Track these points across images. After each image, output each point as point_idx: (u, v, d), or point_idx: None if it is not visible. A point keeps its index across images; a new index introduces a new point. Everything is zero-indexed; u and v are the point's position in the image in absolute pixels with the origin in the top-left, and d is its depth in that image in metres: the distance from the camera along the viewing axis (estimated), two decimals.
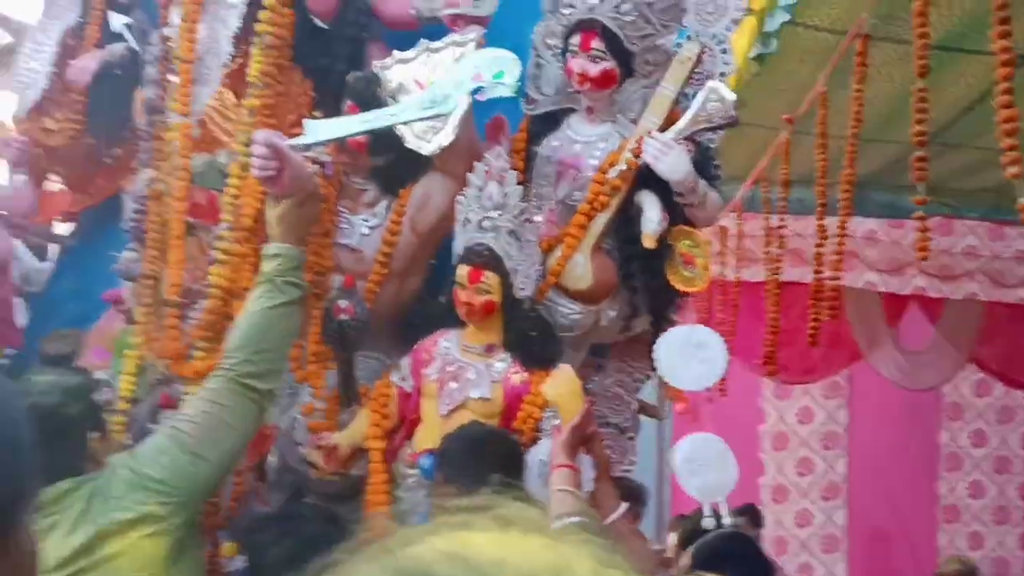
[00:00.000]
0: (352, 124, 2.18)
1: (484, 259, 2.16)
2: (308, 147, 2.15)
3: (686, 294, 2.34)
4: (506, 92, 2.11)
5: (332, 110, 2.54)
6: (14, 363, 3.38)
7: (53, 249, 3.58)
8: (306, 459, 2.39)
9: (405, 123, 2.17)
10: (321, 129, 2.14)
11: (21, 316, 3.40)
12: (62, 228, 3.59)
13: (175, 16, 2.69)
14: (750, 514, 4.44)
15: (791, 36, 2.77)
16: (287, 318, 2.00)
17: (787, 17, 2.51)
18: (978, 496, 6.14)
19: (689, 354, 2.18)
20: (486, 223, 2.17)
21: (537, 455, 2.15)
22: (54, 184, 3.43)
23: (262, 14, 2.38)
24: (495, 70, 2.12)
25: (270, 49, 2.38)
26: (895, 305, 5.54)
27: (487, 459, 1.96)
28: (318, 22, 2.56)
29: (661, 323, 2.36)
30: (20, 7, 3.53)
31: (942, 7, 2.72)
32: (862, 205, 3.68)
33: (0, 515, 0.80)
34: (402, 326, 2.48)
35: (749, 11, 2.62)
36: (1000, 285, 5.46)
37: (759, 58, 2.53)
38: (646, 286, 2.29)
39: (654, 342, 2.28)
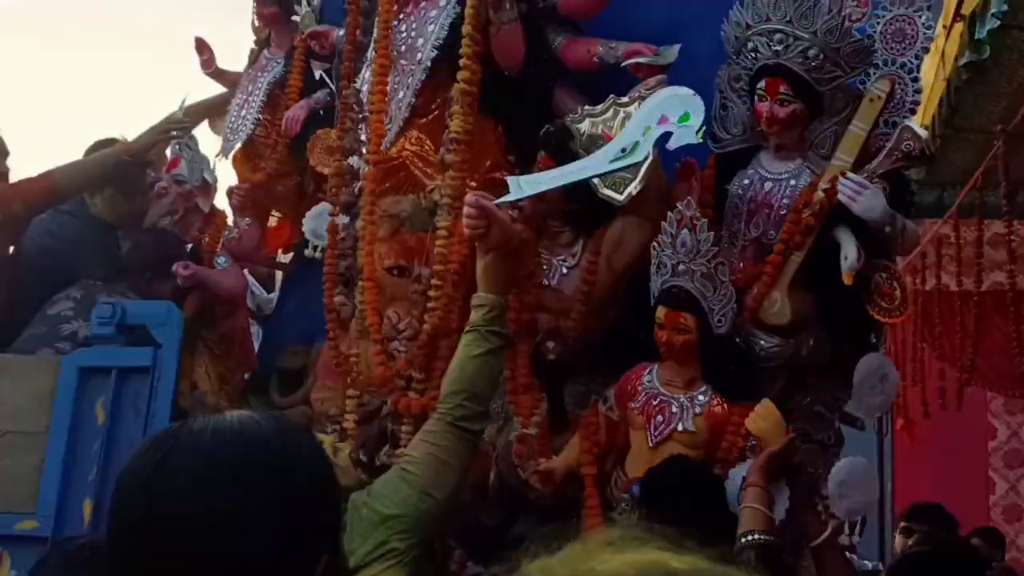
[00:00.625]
0: (549, 179, 2.33)
1: (681, 301, 2.29)
2: (513, 203, 2.32)
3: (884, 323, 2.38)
4: (692, 138, 2.19)
5: (524, 155, 2.73)
6: (252, 380, 3.82)
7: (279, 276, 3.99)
8: (524, 480, 2.62)
9: (598, 176, 2.31)
10: (523, 186, 2.30)
11: (256, 341, 3.81)
12: (284, 257, 3.97)
13: (366, 71, 2.94)
14: (990, 536, 4.22)
15: (1004, 39, 2.69)
16: (492, 365, 2.16)
17: (997, 23, 2.47)
18: None
19: (874, 383, 2.25)
20: (681, 267, 2.29)
21: (740, 472, 2.27)
22: (274, 217, 3.79)
23: (460, 74, 2.57)
24: (680, 112, 2.21)
25: (469, 107, 2.58)
26: None
27: (689, 494, 2.11)
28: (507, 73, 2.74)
29: (862, 348, 2.41)
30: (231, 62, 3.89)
31: None
32: None
33: (331, 542, 1.01)
34: (603, 354, 2.65)
35: (959, 17, 2.59)
36: None
37: (969, 65, 2.52)
38: (845, 317, 2.35)
39: (854, 364, 2.35)
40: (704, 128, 2.23)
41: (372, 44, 2.89)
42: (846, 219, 2.25)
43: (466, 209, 2.22)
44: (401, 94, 2.77)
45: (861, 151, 2.24)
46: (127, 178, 3.44)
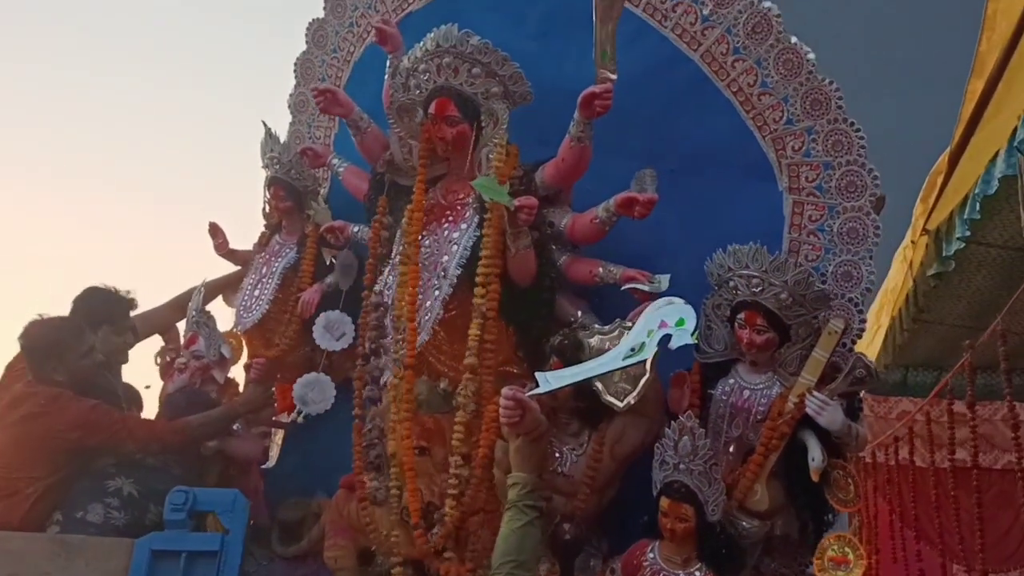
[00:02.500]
0: (571, 375, 2.79)
1: (681, 494, 2.76)
2: (541, 395, 2.75)
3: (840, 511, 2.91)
4: (687, 339, 2.69)
5: (532, 353, 3.19)
6: (253, 530, 4.08)
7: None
8: None
9: (612, 371, 2.77)
10: (550, 380, 2.76)
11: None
12: (285, 417, 4.29)
13: (390, 277, 3.36)
14: None
15: (966, 251, 3.26)
16: (532, 535, 2.54)
17: (962, 245, 3.05)
18: None
19: None
20: (681, 466, 2.77)
21: None
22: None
23: (478, 291, 3.05)
24: (676, 318, 2.73)
25: (490, 320, 3.05)
26: None
27: None
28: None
29: (822, 526, 2.93)
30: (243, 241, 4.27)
31: None
32: None
33: None
34: (605, 526, 3.09)
35: (925, 232, 3.21)
36: None
37: (937, 275, 3.11)
38: (809, 504, 2.87)
39: (815, 538, 2.87)
40: (697, 331, 2.74)
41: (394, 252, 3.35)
42: (811, 425, 2.79)
43: (503, 401, 2.64)
44: (429, 303, 3.21)
45: (822, 372, 2.78)
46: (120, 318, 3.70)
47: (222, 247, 4.22)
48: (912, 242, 3.67)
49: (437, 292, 3.20)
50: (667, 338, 2.74)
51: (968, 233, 2.90)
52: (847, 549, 2.74)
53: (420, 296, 3.22)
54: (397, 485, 3.24)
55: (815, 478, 2.75)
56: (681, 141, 3.16)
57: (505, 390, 2.70)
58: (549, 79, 3.26)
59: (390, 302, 3.32)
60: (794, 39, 2.93)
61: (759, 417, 2.87)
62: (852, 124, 2.89)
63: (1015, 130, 2.28)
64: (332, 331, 3.76)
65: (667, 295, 2.95)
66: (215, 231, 4.22)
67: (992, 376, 3.75)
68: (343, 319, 3.76)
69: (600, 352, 2.96)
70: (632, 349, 2.78)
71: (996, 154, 2.57)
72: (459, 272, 3.18)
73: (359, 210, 3.84)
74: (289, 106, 4.25)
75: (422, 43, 3.22)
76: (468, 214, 3.26)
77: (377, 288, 3.34)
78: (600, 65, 2.88)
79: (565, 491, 3.05)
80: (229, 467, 3.86)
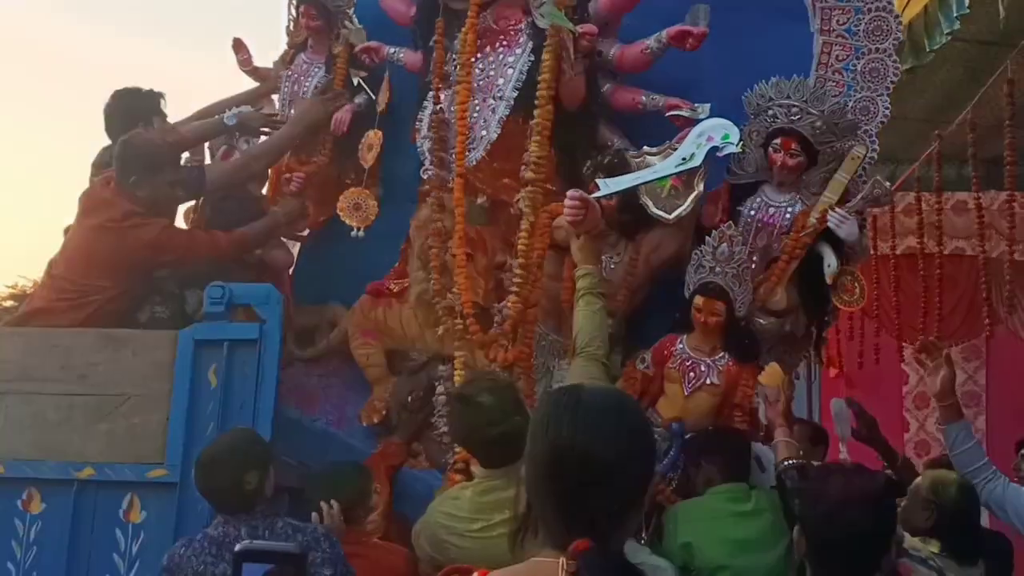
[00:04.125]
0: (628, 180, 3.12)
1: (716, 292, 3.21)
2: (600, 199, 3.09)
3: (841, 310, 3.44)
4: (733, 149, 3.09)
5: (572, 175, 3.51)
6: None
7: None
8: None
9: (666, 177, 3.14)
10: (609, 184, 3.10)
11: None
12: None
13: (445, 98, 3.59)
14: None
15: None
16: (604, 316, 2.89)
17: (948, 39, 3.32)
18: None
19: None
20: (717, 269, 3.21)
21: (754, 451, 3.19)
22: None
23: (538, 112, 3.32)
24: (722, 133, 3.11)
25: (546, 138, 3.34)
26: None
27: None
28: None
29: (822, 327, 3.47)
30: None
31: None
32: (998, 180, 4.05)
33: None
34: (635, 325, 3.53)
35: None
36: None
37: (911, 69, 3.43)
38: (817, 306, 3.38)
39: (816, 335, 3.42)
40: (742, 141, 3.11)
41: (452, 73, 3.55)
42: (827, 238, 3.27)
43: (568, 201, 2.92)
44: (483, 121, 3.47)
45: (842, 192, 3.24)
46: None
47: (246, 63, 4.31)
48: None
49: (493, 112, 3.46)
50: (714, 149, 3.12)
51: (957, 27, 3.18)
52: (856, 282, 3.26)
53: (476, 115, 3.48)
54: (449, 285, 3.56)
55: (829, 281, 3.24)
56: None
57: (571, 191, 2.94)
58: None
59: (452, 119, 3.55)
60: None
61: (783, 230, 3.32)
62: None
63: None
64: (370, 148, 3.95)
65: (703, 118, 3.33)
66: (239, 47, 4.28)
67: (947, 168, 4.18)
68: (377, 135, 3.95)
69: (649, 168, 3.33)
70: (683, 159, 3.14)
71: None
72: (515, 94, 3.44)
73: (387, 32, 4.00)
74: None
75: None
76: (522, 39, 3.49)
77: (442, 106, 3.56)
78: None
79: (607, 292, 3.46)
80: (264, 274, 4.10)
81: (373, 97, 4.08)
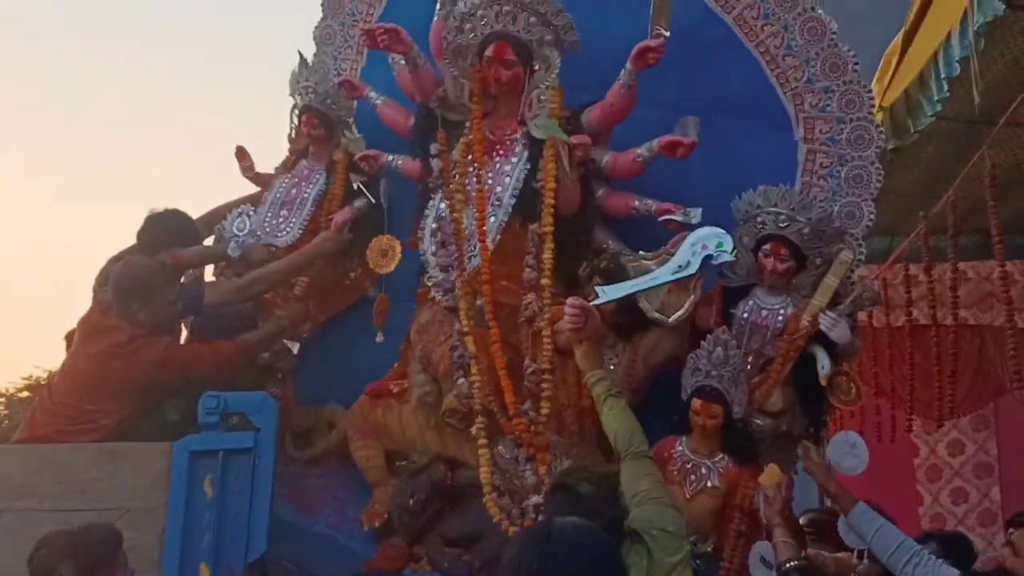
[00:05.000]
0: (627, 288, 3.22)
1: (713, 395, 3.27)
2: (599, 305, 3.17)
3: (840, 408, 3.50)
4: (727, 257, 3.17)
5: (567, 275, 3.61)
6: None
7: None
8: None
9: (662, 285, 3.23)
10: (608, 292, 3.18)
11: None
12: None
13: (442, 205, 3.70)
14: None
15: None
16: (629, 410, 2.94)
17: (930, 121, 3.44)
18: None
19: (845, 451, 3.34)
20: (713, 373, 3.27)
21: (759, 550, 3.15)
22: None
23: (544, 219, 3.43)
24: (716, 241, 3.20)
25: (548, 244, 3.44)
26: None
27: None
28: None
29: (820, 427, 3.52)
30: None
31: None
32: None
33: None
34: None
35: (881, 109, 3.58)
36: None
37: (895, 150, 3.54)
38: (814, 405, 3.44)
39: (813, 435, 3.46)
40: (735, 250, 3.21)
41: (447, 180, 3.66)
42: (820, 339, 3.34)
43: (569, 308, 3.02)
44: (484, 229, 3.57)
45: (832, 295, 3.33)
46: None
47: (249, 169, 4.42)
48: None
49: (493, 219, 3.57)
50: (709, 257, 3.21)
51: (939, 109, 3.32)
52: (851, 383, 3.33)
53: (475, 222, 3.58)
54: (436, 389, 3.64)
55: (823, 382, 3.31)
56: (709, 92, 3.59)
57: (571, 299, 3.07)
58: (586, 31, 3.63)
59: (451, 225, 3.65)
60: (820, 10, 3.40)
61: (776, 332, 3.40)
62: (864, 86, 3.41)
63: (965, 12, 2.74)
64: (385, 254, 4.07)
65: (697, 227, 3.43)
66: (242, 154, 4.40)
67: (940, 239, 4.15)
68: (393, 242, 4.07)
69: (644, 272, 3.42)
70: (679, 266, 3.23)
71: (948, 35, 2.99)
72: (512, 202, 3.55)
73: (386, 140, 4.13)
74: (315, 38, 4.44)
75: None
76: (518, 149, 3.63)
77: (443, 212, 3.66)
78: (655, 23, 3.27)
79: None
80: (267, 380, 4.13)
81: (373, 201, 4.19)
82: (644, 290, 3.28)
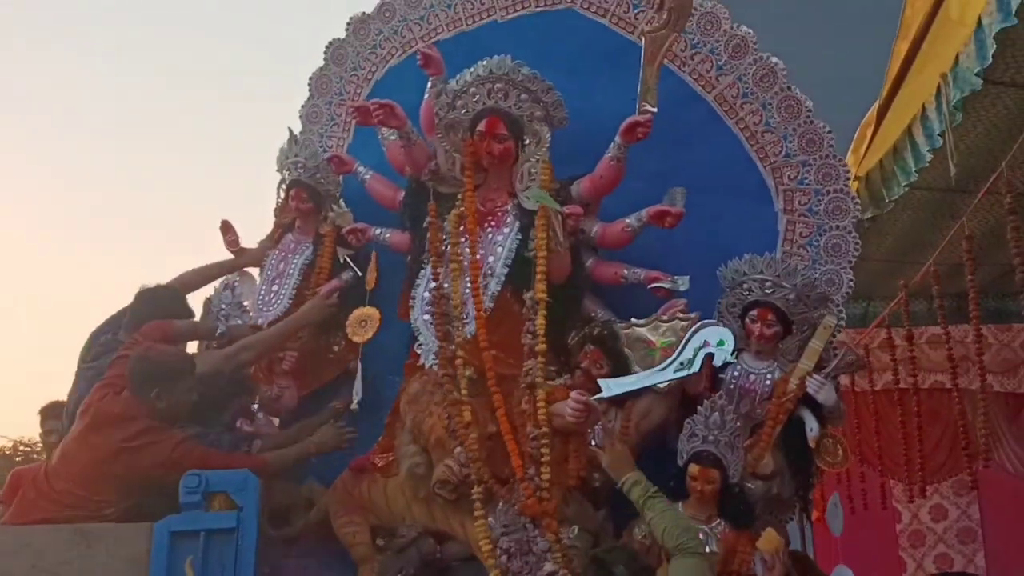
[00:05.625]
0: (629, 383, 3.34)
1: (710, 461, 3.31)
2: (603, 399, 3.26)
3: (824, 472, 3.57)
4: (728, 357, 3.30)
5: (561, 343, 3.66)
6: None
7: None
8: None
9: (665, 382, 3.32)
10: (612, 387, 3.28)
11: None
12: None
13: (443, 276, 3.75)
14: None
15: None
16: (671, 508, 3.09)
17: (906, 190, 3.58)
18: None
19: (834, 513, 3.42)
20: (710, 438, 3.32)
21: None
22: None
23: (538, 286, 3.49)
24: (717, 339, 3.32)
25: (542, 310, 3.50)
26: (1012, 403, 5.80)
27: None
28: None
29: (808, 490, 3.58)
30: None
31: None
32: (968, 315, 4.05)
33: None
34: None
35: (856, 179, 3.73)
36: None
37: (872, 218, 3.67)
38: (802, 468, 3.51)
39: (802, 495, 3.52)
40: (736, 352, 3.36)
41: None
42: (807, 402, 3.44)
43: (572, 404, 3.13)
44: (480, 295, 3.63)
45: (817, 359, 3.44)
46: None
47: (233, 243, 4.43)
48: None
49: (486, 288, 3.63)
50: (711, 355, 3.34)
51: (915, 179, 3.46)
52: (838, 445, 3.43)
53: (468, 291, 3.64)
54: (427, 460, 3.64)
55: (812, 444, 3.38)
56: (692, 167, 3.75)
57: (574, 394, 3.19)
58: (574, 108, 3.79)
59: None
60: (796, 90, 3.61)
61: (764, 396, 3.48)
62: (839, 159, 3.60)
63: (939, 87, 2.92)
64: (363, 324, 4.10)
65: (685, 295, 3.55)
66: (227, 228, 4.42)
67: (917, 303, 4.36)
68: (371, 311, 4.09)
69: (636, 340, 3.51)
70: (681, 364, 3.36)
71: (923, 109, 3.16)
72: (506, 271, 3.63)
73: (373, 215, 4.20)
74: (301, 117, 4.54)
75: (473, 69, 3.67)
76: (509, 220, 3.72)
77: (439, 282, 3.71)
78: (643, 99, 3.43)
79: (597, 461, 3.55)
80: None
81: (360, 274, 4.24)
82: (647, 386, 3.37)
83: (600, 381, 3.33)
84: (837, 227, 3.60)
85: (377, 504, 4.06)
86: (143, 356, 3.57)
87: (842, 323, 3.57)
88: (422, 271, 3.84)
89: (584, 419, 3.15)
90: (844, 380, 4.91)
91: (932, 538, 6.50)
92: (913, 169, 3.47)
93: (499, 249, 3.69)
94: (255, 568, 3.41)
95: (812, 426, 3.40)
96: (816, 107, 3.57)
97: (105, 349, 3.86)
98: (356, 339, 4.10)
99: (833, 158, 3.59)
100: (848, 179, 3.58)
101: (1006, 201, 3.09)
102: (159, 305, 3.86)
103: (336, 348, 4.34)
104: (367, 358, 4.20)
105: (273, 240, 4.42)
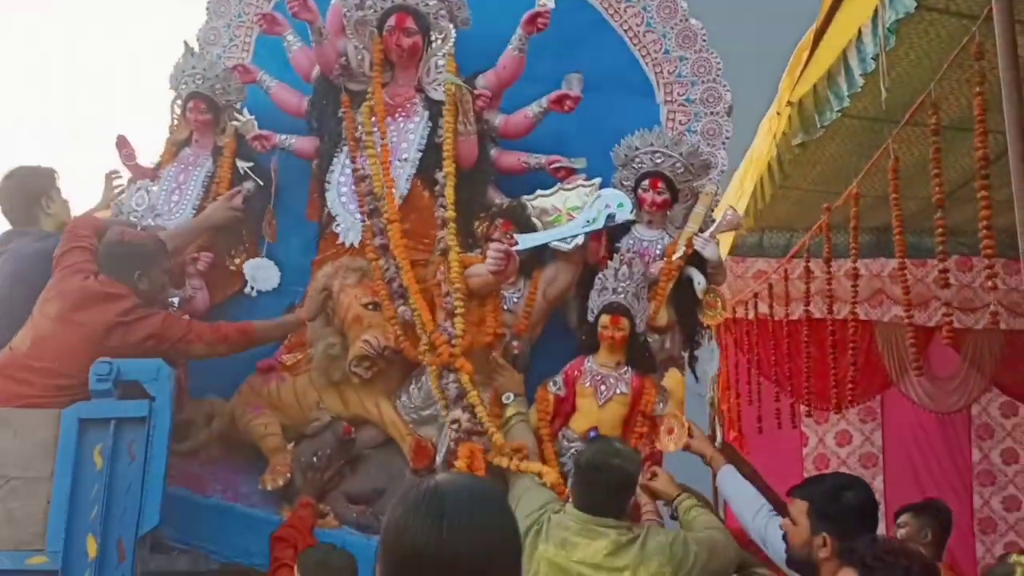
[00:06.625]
0: (541, 237, 3.64)
1: (621, 310, 3.63)
2: (521, 252, 3.54)
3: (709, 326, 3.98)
4: (627, 215, 3.68)
5: (467, 229, 3.92)
6: None
7: None
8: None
9: (574, 236, 3.65)
10: (525, 240, 3.59)
11: None
12: None
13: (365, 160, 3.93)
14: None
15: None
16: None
17: (838, 116, 3.60)
18: (1012, 509, 6.64)
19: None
20: (619, 289, 3.65)
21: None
22: None
23: (447, 165, 3.75)
24: (618, 202, 3.69)
25: (451, 184, 3.75)
26: (922, 336, 5.82)
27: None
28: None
29: (694, 345, 3.98)
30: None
31: (953, 100, 3.72)
32: (888, 247, 4.31)
33: None
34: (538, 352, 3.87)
35: (789, 104, 3.93)
36: (1017, 315, 5.93)
37: (802, 144, 3.81)
38: (689, 324, 3.90)
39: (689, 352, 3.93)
40: (634, 210, 3.75)
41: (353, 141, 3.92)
42: (693, 262, 3.84)
43: (492, 252, 3.41)
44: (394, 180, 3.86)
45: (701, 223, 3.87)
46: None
47: (130, 158, 4.40)
48: (777, 113, 4.14)
49: (402, 171, 3.87)
50: (611, 216, 3.70)
51: (847, 104, 3.50)
52: (717, 299, 3.77)
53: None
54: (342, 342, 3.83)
55: (700, 296, 3.78)
56: (582, 68, 4.11)
57: (494, 244, 3.49)
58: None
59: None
60: None
61: (656, 260, 3.86)
62: (712, 53, 4.10)
63: (875, 11, 3.06)
64: (258, 279, 4.25)
65: (582, 172, 3.92)
66: (123, 143, 4.40)
67: (837, 236, 4.41)
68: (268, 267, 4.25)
69: (543, 211, 3.82)
70: (588, 221, 3.72)
71: (859, 33, 3.28)
72: (419, 155, 3.88)
73: (278, 122, 4.32)
74: (199, 39, 4.60)
75: None
76: (418, 110, 3.99)
77: (359, 165, 3.91)
78: None
79: (511, 323, 3.81)
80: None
81: (260, 184, 4.32)
82: (556, 239, 3.69)
83: (516, 235, 3.60)
84: (711, 113, 4.08)
85: (286, 403, 4.12)
86: (121, 241, 3.68)
87: (719, 198, 4.03)
88: (335, 159, 4.01)
89: (504, 268, 3.38)
90: (763, 309, 5.43)
91: (835, 461, 6.72)
92: (846, 94, 3.52)
93: (411, 136, 3.94)
94: (168, 461, 3.39)
95: (699, 280, 3.80)
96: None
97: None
98: (269, 238, 4.23)
99: (707, 52, 4.09)
100: (720, 70, 4.08)
101: (931, 122, 3.09)
102: (29, 182, 3.96)
103: (238, 260, 4.39)
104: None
105: (167, 158, 4.42)
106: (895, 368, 5.87)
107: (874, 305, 5.28)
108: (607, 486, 3.02)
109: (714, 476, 3.51)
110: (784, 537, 2.80)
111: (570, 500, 3.15)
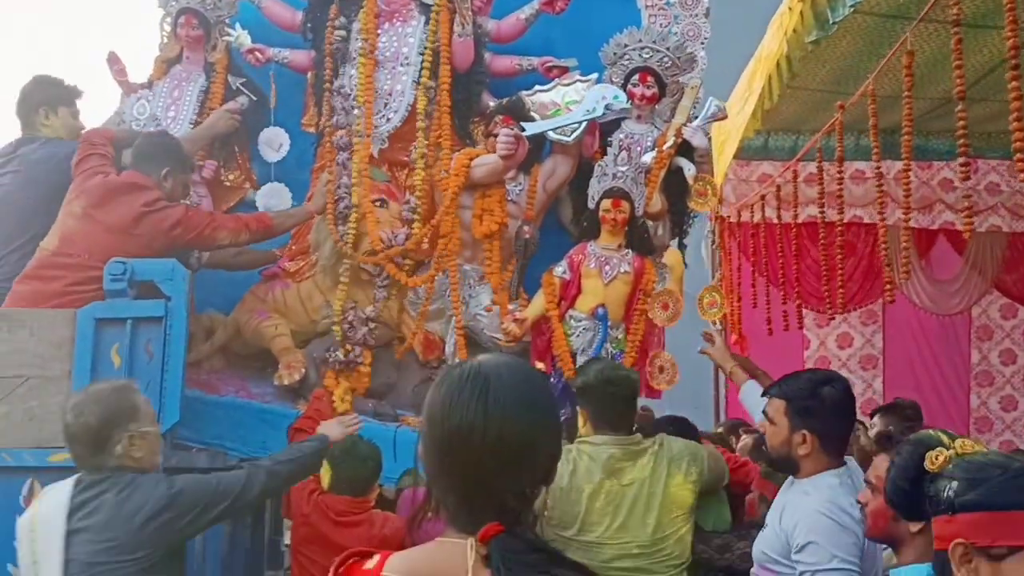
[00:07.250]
0: (546, 124, 3.84)
1: (621, 194, 3.84)
2: (526, 136, 3.75)
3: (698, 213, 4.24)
4: (624, 105, 3.90)
5: (463, 130, 4.10)
6: None
7: None
8: (494, 336, 3.85)
9: (576, 125, 3.86)
10: (531, 128, 3.80)
11: None
12: None
13: (351, 70, 4.07)
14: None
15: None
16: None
17: (851, 11, 3.43)
18: (1009, 409, 6.76)
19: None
20: (619, 174, 3.86)
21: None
22: None
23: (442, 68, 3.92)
24: (614, 95, 3.90)
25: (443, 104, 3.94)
26: (925, 239, 6.12)
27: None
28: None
29: (684, 232, 4.22)
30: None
31: None
32: (894, 149, 3.98)
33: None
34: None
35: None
36: (1020, 217, 5.96)
37: (815, 41, 3.64)
38: (680, 209, 4.14)
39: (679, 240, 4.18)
40: (630, 101, 3.97)
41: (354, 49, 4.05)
42: (682, 153, 4.08)
43: (503, 136, 3.61)
44: (399, 88, 4.02)
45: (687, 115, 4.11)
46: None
47: (121, 73, 4.42)
48: (789, 8, 3.94)
49: (405, 76, 4.03)
50: (609, 106, 3.91)
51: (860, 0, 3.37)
52: (708, 187, 4.00)
53: (389, 82, 4.01)
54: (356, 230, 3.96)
55: (691, 182, 4.02)
56: None
57: (504, 130, 3.70)
58: None
59: (352, 92, 4.06)
60: None
61: (647, 151, 4.09)
62: None
63: None
64: (272, 144, 4.31)
65: (576, 71, 4.13)
66: (114, 59, 4.40)
67: (847, 137, 4.36)
68: (279, 132, 4.31)
69: (542, 105, 4.01)
70: (588, 111, 3.91)
71: None
72: (420, 59, 4.02)
73: (270, 36, 4.41)
74: None
75: None
76: (415, 14, 4.15)
77: (339, 82, 4.03)
78: None
79: (514, 214, 4.00)
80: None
81: (253, 98, 4.39)
82: (560, 126, 3.90)
83: (522, 123, 3.78)
84: (690, 15, 4.33)
85: (291, 307, 4.24)
86: (151, 139, 3.81)
87: (701, 92, 4.28)
88: (341, 70, 4.12)
89: (514, 152, 3.57)
90: (769, 213, 5.48)
91: (836, 364, 6.70)
92: None
93: (411, 40, 4.09)
94: (184, 360, 3.44)
95: (689, 167, 4.04)
96: None
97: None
98: (268, 159, 4.33)
99: None
100: None
101: (951, 12, 2.92)
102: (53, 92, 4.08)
103: (232, 176, 4.46)
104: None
105: (159, 73, 4.45)
106: (900, 272, 5.66)
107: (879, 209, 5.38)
108: (623, 397, 3.14)
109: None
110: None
111: (587, 424, 3.22)
